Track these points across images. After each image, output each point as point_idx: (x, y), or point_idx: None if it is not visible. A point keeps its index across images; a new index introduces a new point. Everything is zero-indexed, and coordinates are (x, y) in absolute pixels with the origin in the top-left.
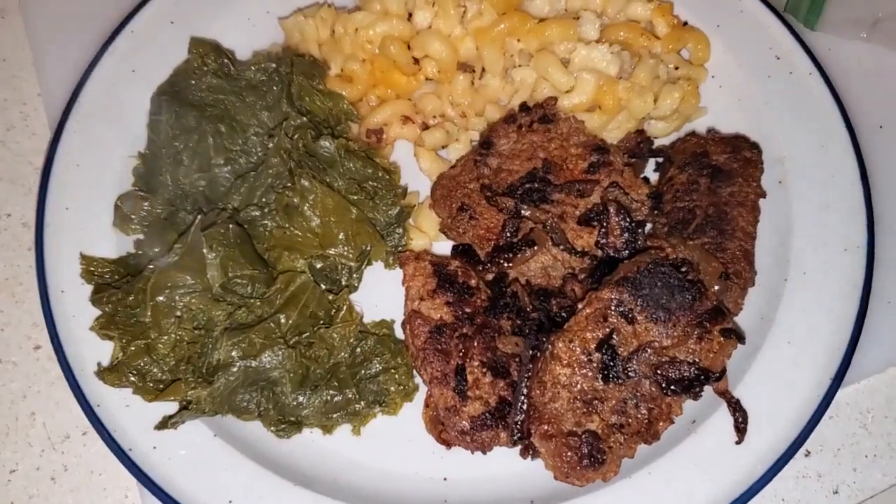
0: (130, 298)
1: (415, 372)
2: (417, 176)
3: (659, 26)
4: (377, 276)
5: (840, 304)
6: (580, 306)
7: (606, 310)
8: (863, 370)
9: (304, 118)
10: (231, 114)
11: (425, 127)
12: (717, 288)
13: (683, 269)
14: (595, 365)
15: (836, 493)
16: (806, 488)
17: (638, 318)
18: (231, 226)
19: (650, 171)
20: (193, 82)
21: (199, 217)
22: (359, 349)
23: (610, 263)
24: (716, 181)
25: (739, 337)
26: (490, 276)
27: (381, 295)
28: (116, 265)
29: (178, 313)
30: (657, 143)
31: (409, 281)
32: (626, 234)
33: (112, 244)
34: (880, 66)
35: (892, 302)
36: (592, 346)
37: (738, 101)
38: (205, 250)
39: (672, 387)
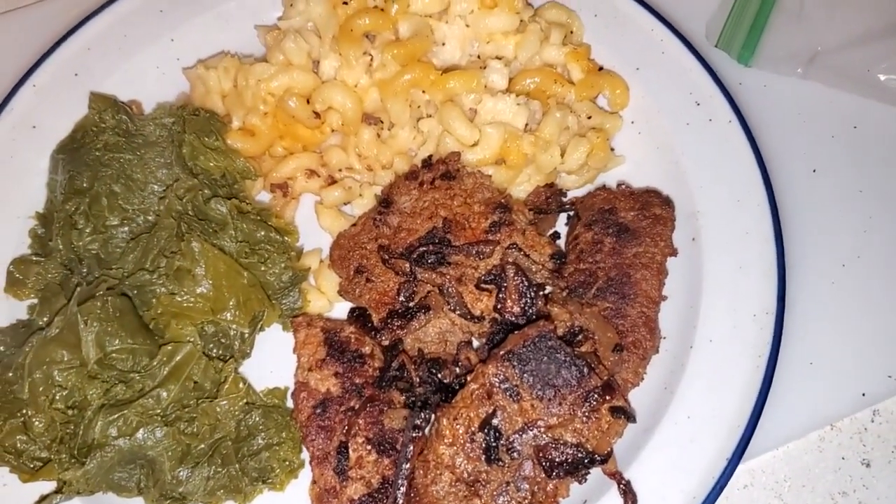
0: (10, 374)
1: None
2: (321, 232)
3: (574, 71)
4: (273, 339)
5: (744, 377)
6: (469, 379)
7: (491, 386)
8: (780, 436)
9: (196, 179)
10: (127, 172)
11: (332, 180)
12: (611, 360)
13: (578, 339)
14: (478, 445)
15: None
16: None
17: (523, 395)
18: (110, 298)
19: (562, 225)
20: (91, 140)
21: (77, 289)
22: (243, 423)
23: (509, 328)
24: (621, 241)
25: (629, 416)
26: (386, 342)
27: (277, 360)
28: (4, 335)
29: (55, 391)
30: (571, 193)
31: (299, 349)
32: (523, 299)
33: (3, 310)
34: (816, 105)
35: (815, 363)
36: (476, 425)
37: (657, 150)
38: (80, 326)
39: (556, 470)
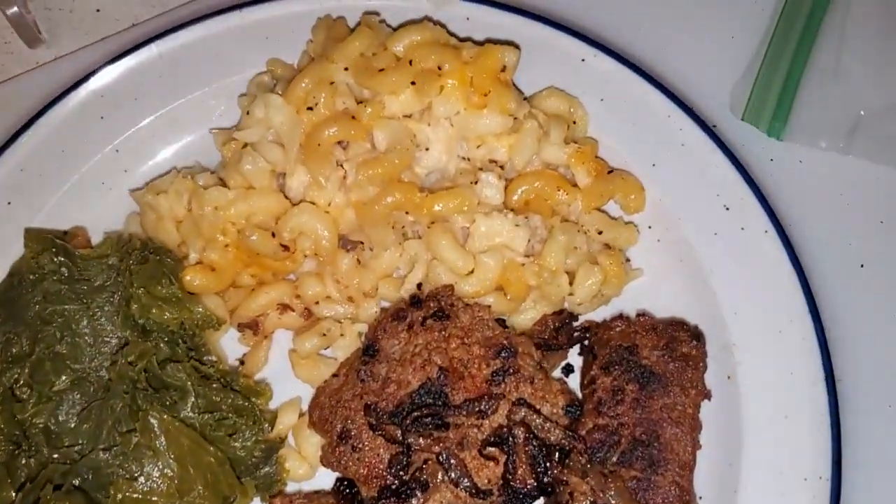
0: None
1: None
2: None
3: (580, 175)
4: None
5: None
6: None
7: None
8: None
9: (148, 342)
10: (72, 328)
11: (308, 313)
12: None
13: None
14: None
15: None
16: None
17: None
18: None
19: (575, 353)
20: (28, 291)
21: (19, 495)
22: None
23: (522, 501)
24: (646, 389)
25: None
26: None
27: None
28: None
29: None
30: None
31: None
32: (536, 467)
33: None
34: (862, 184)
35: None
36: None
37: (680, 262)
38: None
39: None
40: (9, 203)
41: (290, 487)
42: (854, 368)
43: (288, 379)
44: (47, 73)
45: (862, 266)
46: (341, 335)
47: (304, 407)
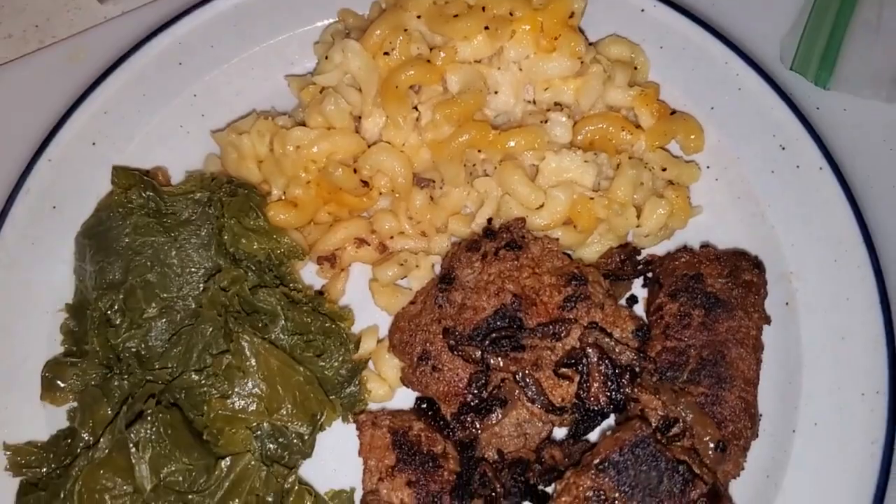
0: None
1: None
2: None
3: (643, 116)
4: (335, 433)
5: (857, 465)
6: (559, 489)
7: (586, 501)
8: None
9: (240, 269)
10: (161, 258)
11: (383, 248)
12: (712, 457)
13: (673, 431)
14: None
15: None
16: None
17: None
18: (160, 415)
19: (638, 285)
20: (118, 224)
21: (123, 408)
22: None
23: (593, 417)
24: (712, 314)
25: None
26: (459, 438)
27: (339, 457)
28: (47, 451)
29: None
30: (646, 251)
31: (366, 452)
32: (609, 385)
33: (41, 419)
34: None
35: None
36: None
37: (737, 199)
38: (132, 450)
39: None
40: (94, 143)
41: (371, 408)
42: None
43: (364, 309)
44: (116, 28)
45: None
46: (416, 266)
47: (381, 335)
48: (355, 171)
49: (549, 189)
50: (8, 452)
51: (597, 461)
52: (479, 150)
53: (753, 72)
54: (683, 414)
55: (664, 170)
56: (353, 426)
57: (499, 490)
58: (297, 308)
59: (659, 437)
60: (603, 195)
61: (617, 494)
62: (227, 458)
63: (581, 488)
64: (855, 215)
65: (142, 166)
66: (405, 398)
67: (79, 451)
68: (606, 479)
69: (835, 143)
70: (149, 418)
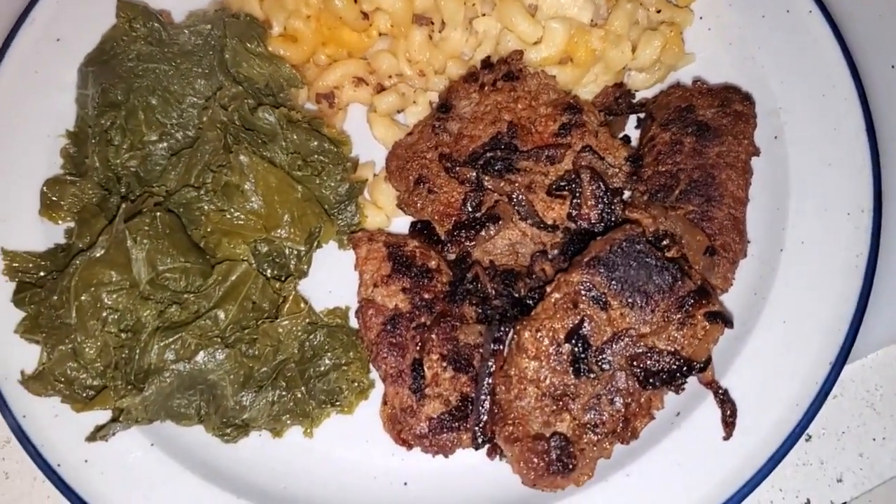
0: (54, 298)
1: (372, 366)
2: (373, 144)
3: None
4: (330, 257)
5: (842, 278)
6: (548, 290)
7: (576, 295)
8: (871, 343)
9: (241, 87)
10: (163, 84)
11: (381, 88)
12: (702, 264)
13: (664, 244)
14: (565, 357)
15: (840, 481)
16: (807, 476)
17: (612, 303)
18: (159, 213)
19: (631, 128)
20: (122, 51)
21: (123, 205)
22: (307, 344)
23: (585, 237)
24: (702, 140)
25: (726, 320)
26: (452, 256)
27: (335, 278)
28: (43, 260)
29: (105, 313)
30: (639, 95)
31: (361, 265)
32: (601, 204)
33: (39, 234)
34: None
35: None
36: (562, 336)
37: (729, 46)
38: (129, 244)
39: (651, 379)
40: None
41: None
42: (885, 128)
43: (361, 148)
44: None
45: (893, 67)
46: (414, 102)
47: (377, 170)
48: (356, 1)
49: (548, 21)
50: (6, 259)
51: (587, 259)
52: None
53: None
54: (673, 227)
55: (659, 12)
56: (349, 255)
57: (489, 292)
58: (297, 128)
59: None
60: (600, 28)
61: (607, 291)
62: (224, 263)
63: (571, 284)
64: (843, 52)
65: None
66: (401, 229)
67: (76, 255)
68: (597, 276)
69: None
70: (148, 214)
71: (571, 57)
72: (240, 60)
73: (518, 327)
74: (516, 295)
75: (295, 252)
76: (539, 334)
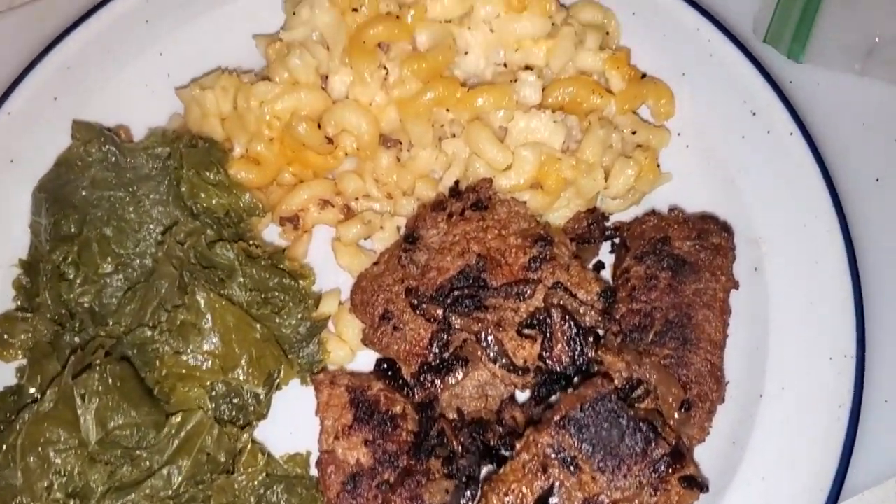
0: None
1: None
2: (339, 269)
3: (613, 80)
4: (291, 394)
5: (824, 431)
6: (518, 447)
7: (546, 458)
8: (856, 484)
9: (198, 221)
10: (119, 213)
11: (347, 209)
12: (677, 418)
13: (637, 394)
14: None
15: None
16: None
17: (582, 466)
18: (109, 366)
19: (605, 251)
20: (76, 176)
21: (70, 358)
22: (264, 500)
23: (556, 380)
24: (678, 276)
25: (701, 486)
26: (419, 398)
27: (296, 419)
28: None
29: (52, 477)
30: (614, 217)
31: (322, 412)
32: (573, 346)
33: None
34: (877, 105)
35: (890, 401)
36: (530, 501)
37: (708, 166)
38: (77, 402)
39: None
40: (55, 98)
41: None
42: (866, 253)
43: (327, 273)
44: None
45: (878, 180)
46: (381, 228)
47: (343, 298)
48: (320, 126)
49: (518, 149)
50: None
51: (557, 418)
52: (448, 110)
53: (725, 37)
54: (648, 375)
55: (634, 133)
56: (311, 390)
57: (456, 448)
58: (256, 263)
59: (622, 399)
60: (571, 156)
61: (577, 453)
62: (178, 414)
63: (540, 446)
64: (825, 180)
65: (104, 124)
66: (366, 363)
67: (25, 406)
68: (567, 437)
69: (808, 116)
70: (97, 369)
71: (542, 184)
72: (197, 192)
73: (486, 488)
74: (488, 444)
75: (254, 394)
76: (507, 498)
